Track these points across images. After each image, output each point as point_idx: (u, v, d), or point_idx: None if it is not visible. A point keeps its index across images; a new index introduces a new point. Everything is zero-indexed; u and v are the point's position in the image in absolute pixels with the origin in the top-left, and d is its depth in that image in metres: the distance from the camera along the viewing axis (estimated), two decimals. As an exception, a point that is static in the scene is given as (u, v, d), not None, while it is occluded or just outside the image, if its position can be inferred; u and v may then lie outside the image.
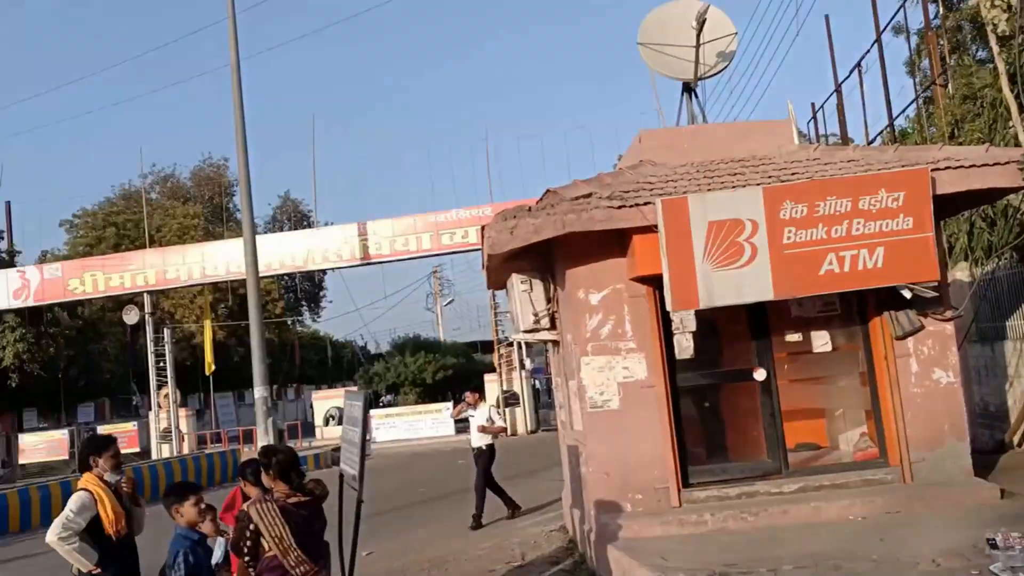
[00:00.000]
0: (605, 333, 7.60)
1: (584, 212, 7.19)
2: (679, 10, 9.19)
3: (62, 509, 5.54)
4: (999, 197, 8.76)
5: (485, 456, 12.13)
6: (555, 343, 9.24)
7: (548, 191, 7.75)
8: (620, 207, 7.14)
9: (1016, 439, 9.99)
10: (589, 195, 7.41)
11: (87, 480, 5.67)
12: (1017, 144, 9.07)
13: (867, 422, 8.13)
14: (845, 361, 8.33)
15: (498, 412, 12.68)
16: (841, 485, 7.53)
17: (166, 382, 30.65)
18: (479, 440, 12.26)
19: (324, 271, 41.05)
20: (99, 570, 5.47)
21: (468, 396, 13.00)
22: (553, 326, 8.71)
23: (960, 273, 11.09)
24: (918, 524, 6.75)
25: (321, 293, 53.18)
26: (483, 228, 8.01)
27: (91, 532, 5.50)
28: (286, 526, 4.71)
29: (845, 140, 17.42)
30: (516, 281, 8.49)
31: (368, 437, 7.18)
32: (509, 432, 28.67)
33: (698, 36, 8.92)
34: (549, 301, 8.61)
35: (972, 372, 10.94)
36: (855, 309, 7.94)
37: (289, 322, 50.45)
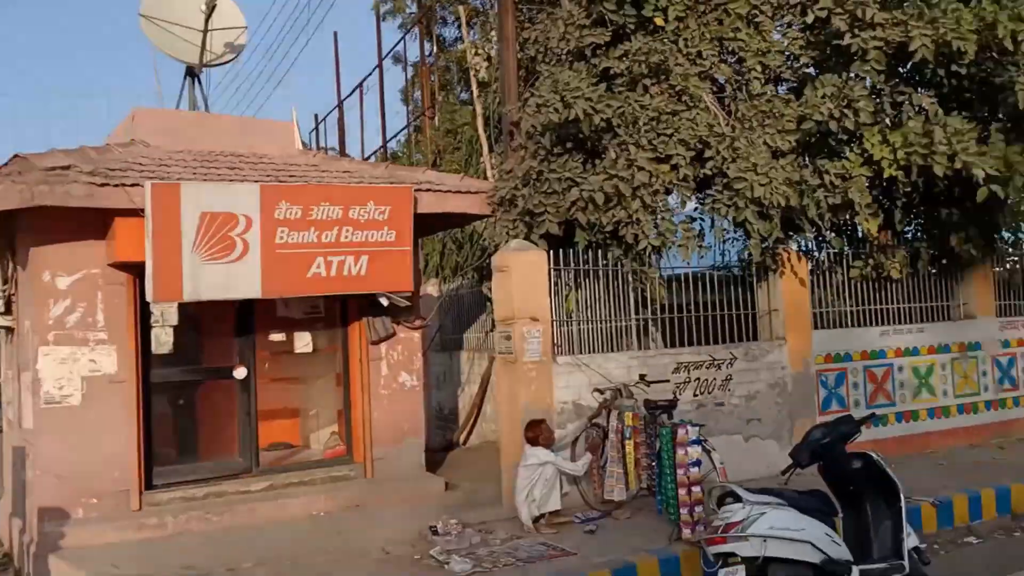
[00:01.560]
0: (72, 321, 6.89)
1: (60, 185, 6.44)
2: (190, -11, 8.78)
3: None
4: (469, 222, 9.90)
5: None
6: (10, 330, 8.11)
7: (16, 156, 6.81)
8: (103, 185, 6.56)
9: (462, 438, 11.32)
10: (68, 167, 6.68)
11: None
12: (486, 178, 10.38)
13: (338, 421, 8.54)
14: (324, 362, 8.67)
15: None
16: (308, 482, 7.79)
17: None
18: None
19: None
20: None
21: None
22: (9, 311, 7.65)
23: (431, 288, 12.28)
24: (374, 516, 7.27)
25: None
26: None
27: None
28: None
29: (343, 154, 18.28)
30: (-37, 255, 7.30)
31: None
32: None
33: (207, 21, 8.63)
34: (6, 282, 7.56)
35: (433, 378, 12.16)
36: (338, 313, 8.31)
37: None
